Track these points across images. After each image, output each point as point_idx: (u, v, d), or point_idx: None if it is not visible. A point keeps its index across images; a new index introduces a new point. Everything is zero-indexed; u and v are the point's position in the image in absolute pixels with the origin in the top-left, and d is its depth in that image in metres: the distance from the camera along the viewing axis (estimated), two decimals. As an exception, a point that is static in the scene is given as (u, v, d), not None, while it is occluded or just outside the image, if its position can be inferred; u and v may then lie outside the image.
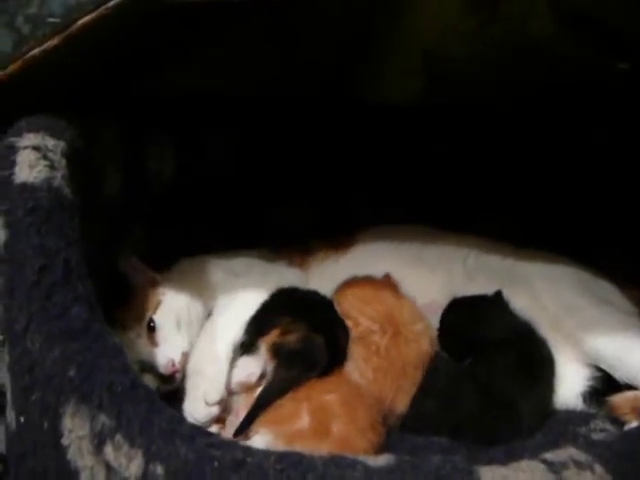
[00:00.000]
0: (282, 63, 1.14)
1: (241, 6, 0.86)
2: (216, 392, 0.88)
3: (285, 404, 0.83)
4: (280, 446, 0.77)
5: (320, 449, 0.75)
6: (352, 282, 1.03)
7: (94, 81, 0.96)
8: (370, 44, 1.15)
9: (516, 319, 0.99)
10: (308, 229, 1.27)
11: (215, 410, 0.88)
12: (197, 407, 0.88)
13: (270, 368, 0.88)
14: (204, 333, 0.97)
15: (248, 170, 1.32)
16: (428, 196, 1.33)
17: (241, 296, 1.00)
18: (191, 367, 0.94)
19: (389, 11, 1.07)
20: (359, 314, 0.96)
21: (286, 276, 1.07)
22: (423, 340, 0.97)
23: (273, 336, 0.90)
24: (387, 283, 1.03)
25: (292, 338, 0.88)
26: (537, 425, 0.91)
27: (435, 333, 1.00)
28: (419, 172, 1.35)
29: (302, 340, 0.88)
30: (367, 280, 1.03)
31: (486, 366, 0.94)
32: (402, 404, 0.92)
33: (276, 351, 0.88)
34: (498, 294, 1.01)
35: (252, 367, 0.89)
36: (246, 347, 0.92)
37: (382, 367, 0.92)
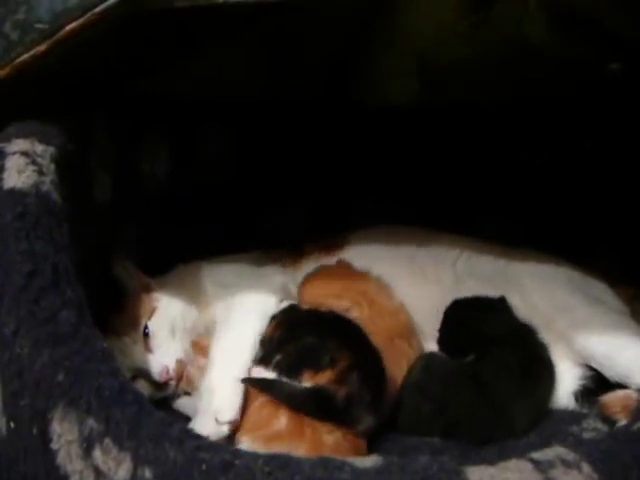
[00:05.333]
0: (278, 66, 1.15)
1: (236, 10, 0.86)
2: (229, 411, 0.83)
3: (265, 406, 0.82)
4: (259, 449, 0.76)
5: (297, 450, 0.76)
6: (309, 276, 1.04)
7: (87, 84, 0.97)
8: (366, 47, 1.16)
9: (519, 322, 1.00)
10: (302, 231, 1.27)
11: (225, 430, 0.82)
12: (207, 424, 0.83)
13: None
14: (217, 352, 0.92)
15: (244, 172, 1.32)
16: (423, 197, 1.34)
17: (245, 310, 0.97)
18: (205, 385, 0.88)
19: (384, 13, 1.07)
20: (325, 299, 0.95)
21: (276, 280, 1.07)
22: (401, 315, 0.97)
23: (325, 378, 0.83)
24: (343, 266, 1.03)
25: (342, 392, 0.82)
26: (530, 427, 0.90)
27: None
28: (414, 174, 1.35)
29: (348, 398, 0.82)
30: (322, 269, 1.04)
31: (488, 364, 0.94)
32: (398, 377, 0.92)
33: (319, 396, 0.82)
34: (502, 299, 1.01)
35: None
36: (285, 369, 0.86)
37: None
